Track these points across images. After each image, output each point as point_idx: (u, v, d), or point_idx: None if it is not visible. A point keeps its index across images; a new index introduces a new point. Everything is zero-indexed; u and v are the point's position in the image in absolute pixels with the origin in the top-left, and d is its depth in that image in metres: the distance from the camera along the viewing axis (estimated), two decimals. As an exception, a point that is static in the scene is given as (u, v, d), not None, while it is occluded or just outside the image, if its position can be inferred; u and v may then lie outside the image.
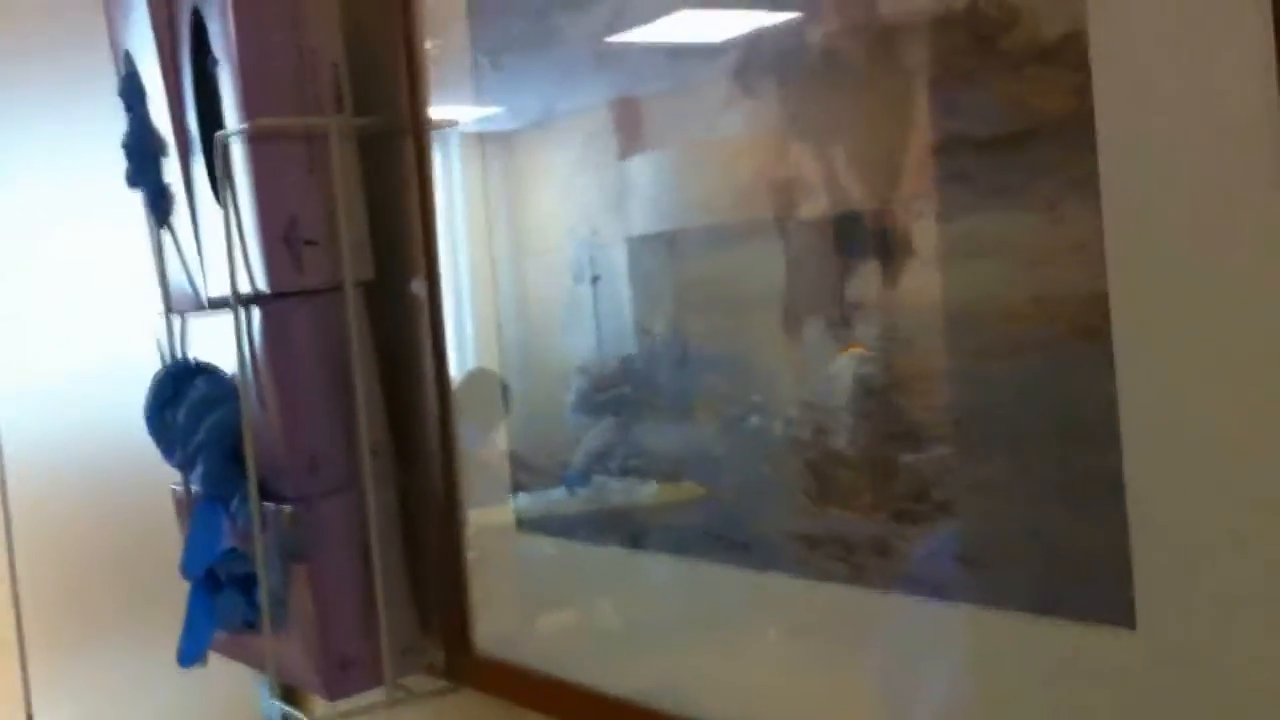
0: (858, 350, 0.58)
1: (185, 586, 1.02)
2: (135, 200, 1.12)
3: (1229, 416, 0.44)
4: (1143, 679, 0.47)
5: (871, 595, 0.57)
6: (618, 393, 0.74)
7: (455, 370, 0.90)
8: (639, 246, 0.71)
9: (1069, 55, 0.47)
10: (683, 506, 0.68)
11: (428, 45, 0.89)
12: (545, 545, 0.82)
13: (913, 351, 0.54)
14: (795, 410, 0.60)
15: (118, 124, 1.08)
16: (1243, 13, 0.42)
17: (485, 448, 0.88)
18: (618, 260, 0.73)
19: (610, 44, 0.71)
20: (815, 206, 0.59)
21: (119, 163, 1.07)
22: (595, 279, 0.75)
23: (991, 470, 0.51)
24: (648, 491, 0.72)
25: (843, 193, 0.57)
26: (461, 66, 0.85)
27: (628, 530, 0.73)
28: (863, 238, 0.57)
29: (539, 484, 0.82)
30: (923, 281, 0.54)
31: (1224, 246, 0.43)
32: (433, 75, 0.89)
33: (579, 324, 0.77)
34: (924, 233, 0.53)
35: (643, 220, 0.71)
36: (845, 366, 0.58)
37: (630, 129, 0.71)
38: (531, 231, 0.81)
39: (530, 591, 0.85)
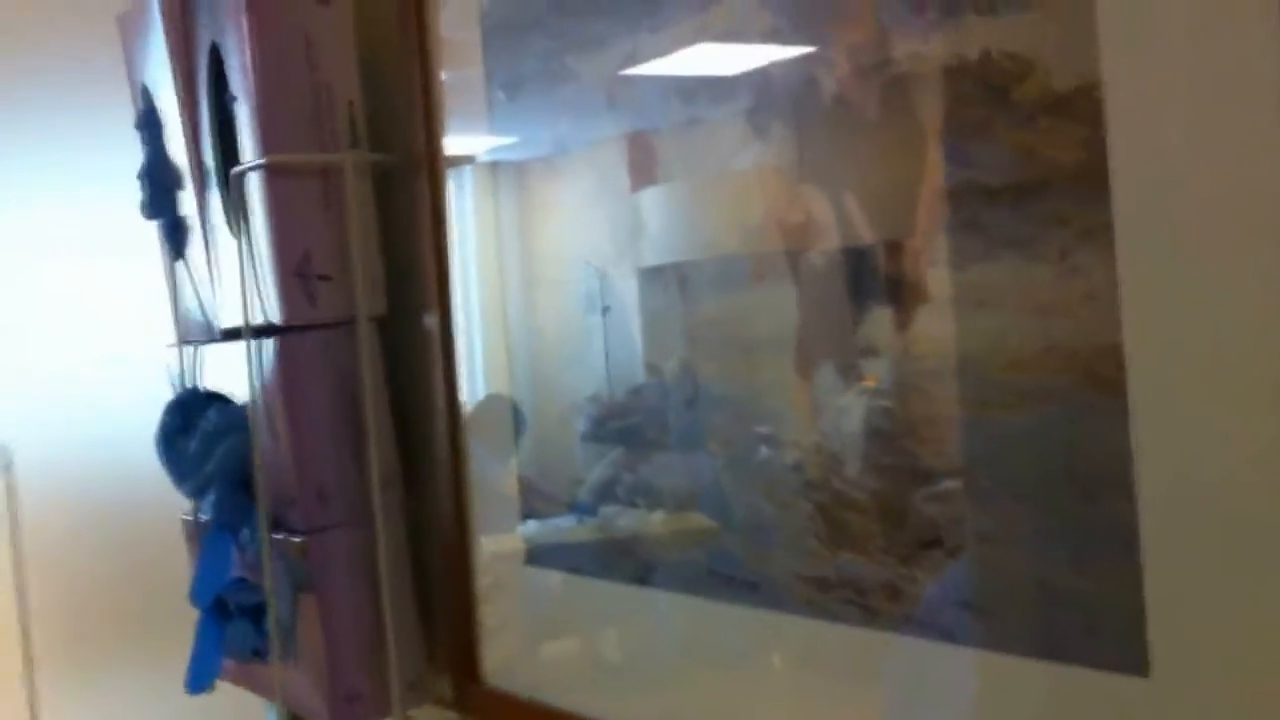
0: (870, 384, 0.58)
1: (195, 614, 1.02)
2: (151, 232, 1.13)
3: (1244, 467, 0.44)
4: (1154, 728, 0.47)
5: (882, 637, 0.57)
6: (628, 423, 0.75)
7: (466, 401, 0.90)
8: (649, 279, 0.72)
9: (1081, 107, 0.48)
10: (691, 540, 0.69)
11: (443, 77, 0.90)
12: (553, 579, 0.83)
13: (924, 397, 0.55)
14: (806, 453, 0.61)
15: (135, 156, 1.09)
16: (1257, 67, 0.42)
17: (497, 473, 0.88)
18: (628, 291, 0.73)
19: (623, 83, 0.72)
20: (827, 250, 0.59)
21: (136, 194, 1.08)
22: (606, 309, 0.76)
23: (1001, 518, 0.52)
24: (655, 520, 0.72)
25: (855, 237, 0.58)
26: (476, 100, 0.86)
27: (636, 566, 0.73)
28: (875, 283, 0.57)
29: (548, 512, 0.83)
30: (934, 328, 0.54)
31: (1239, 299, 0.44)
32: (448, 108, 0.90)
33: (590, 354, 0.77)
34: (936, 279, 0.54)
35: (654, 254, 0.71)
36: (856, 401, 0.58)
37: (642, 166, 0.71)
38: (543, 261, 0.82)
39: (538, 625, 0.85)
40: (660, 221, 0.71)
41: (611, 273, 0.74)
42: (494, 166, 0.87)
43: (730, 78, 0.64)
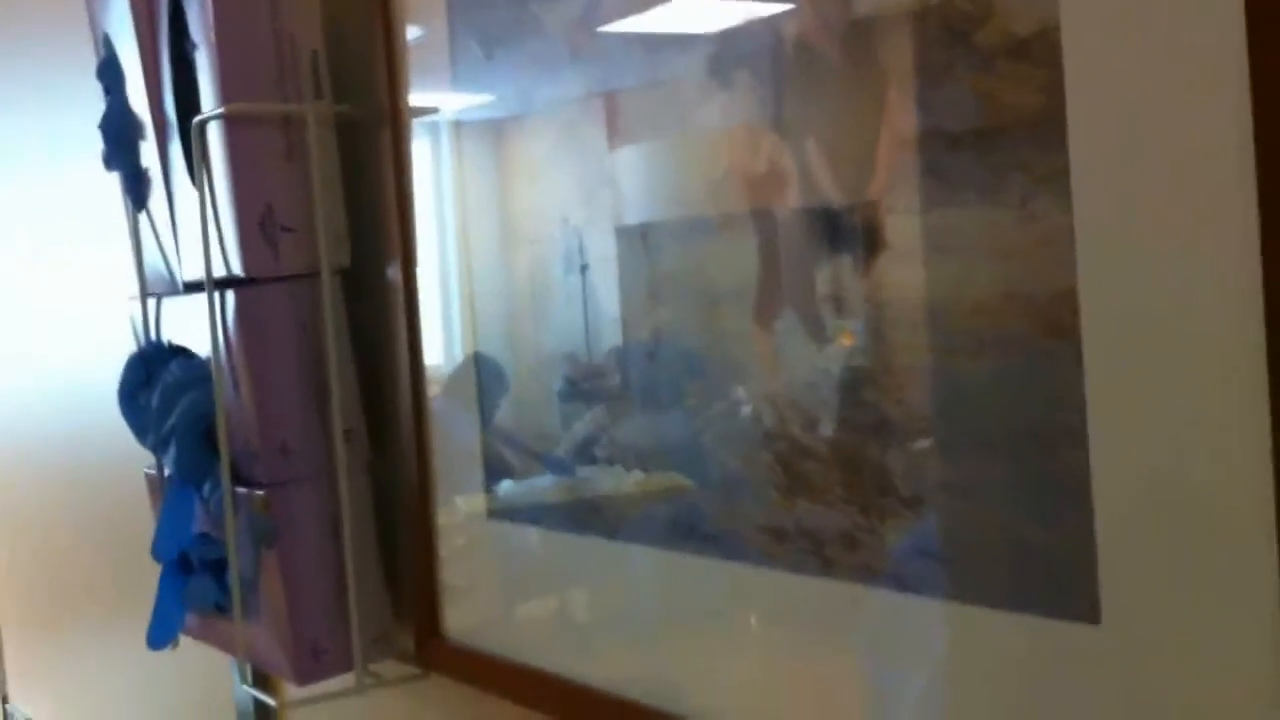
0: (849, 342, 0.58)
1: (158, 570, 1.02)
2: (112, 183, 1.12)
3: (1196, 415, 0.44)
4: (1107, 673, 0.47)
5: (841, 588, 0.57)
6: (605, 383, 0.74)
7: (434, 356, 0.90)
8: (625, 237, 0.71)
9: (1040, 51, 0.47)
10: (660, 498, 0.68)
11: (408, 34, 0.88)
12: (517, 533, 0.82)
13: (884, 346, 0.54)
14: (765, 403, 0.60)
15: (96, 106, 1.08)
16: (1215, 9, 0.42)
17: (462, 435, 0.88)
18: (606, 250, 0.73)
19: (586, 35, 0.71)
20: (789, 199, 0.59)
21: (97, 145, 1.07)
22: (584, 268, 0.75)
23: (961, 466, 0.52)
24: (632, 480, 0.72)
25: (817, 186, 0.58)
26: (441, 55, 0.85)
27: (600, 520, 0.73)
28: (836, 231, 0.57)
29: (523, 471, 0.82)
30: (895, 275, 0.54)
31: (1194, 244, 0.43)
32: (412, 64, 0.89)
33: (568, 313, 0.76)
34: (897, 226, 0.53)
35: (628, 211, 0.71)
36: (836, 357, 0.58)
37: (609, 120, 0.71)
38: (519, 220, 0.81)
39: (502, 579, 0.85)
40: (631, 178, 0.70)
41: (589, 232, 0.74)
42: (459, 125, 0.86)
43: (694, 27, 0.64)
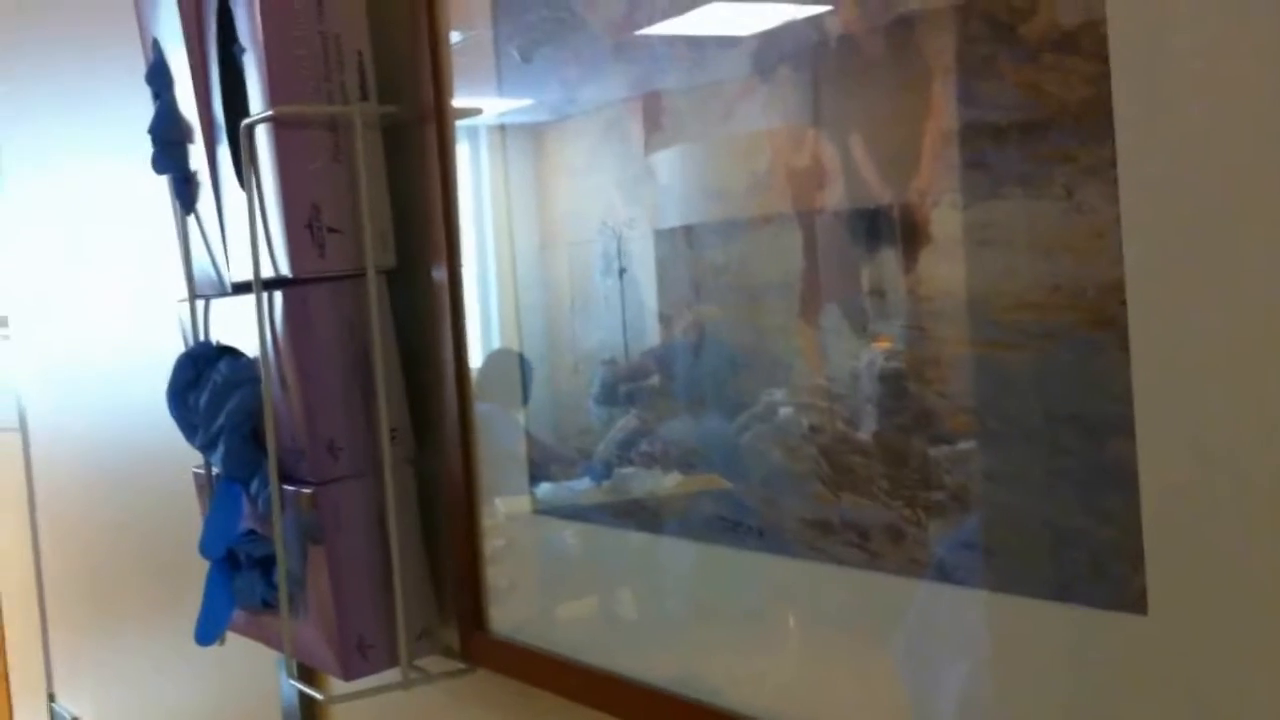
0: (885, 346, 0.58)
1: (205, 568, 1.03)
2: (161, 186, 1.14)
3: (1244, 406, 0.44)
4: (1154, 664, 0.47)
5: (886, 580, 0.57)
6: (643, 385, 0.75)
7: (475, 358, 0.91)
8: (665, 238, 0.72)
9: (1087, 43, 0.47)
10: (703, 496, 0.69)
11: (453, 38, 0.89)
12: (562, 529, 0.83)
13: (929, 338, 0.55)
14: (810, 397, 0.61)
15: (146, 111, 1.10)
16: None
17: (507, 430, 0.88)
18: (645, 253, 0.73)
19: (629, 34, 0.71)
20: (833, 194, 0.59)
21: (146, 149, 1.08)
22: (622, 271, 0.76)
23: (1006, 458, 0.52)
24: (671, 481, 0.73)
25: (861, 180, 0.58)
26: (486, 58, 0.86)
27: (644, 515, 0.74)
28: (880, 225, 0.57)
29: (560, 474, 0.83)
30: (940, 269, 0.54)
31: (1243, 234, 0.43)
32: (457, 66, 0.89)
33: (606, 316, 0.77)
34: (942, 220, 0.54)
35: (668, 212, 0.71)
36: (873, 361, 0.58)
37: (651, 119, 0.71)
38: (558, 223, 0.82)
39: (546, 574, 0.86)
40: (672, 176, 0.70)
41: (628, 234, 0.74)
42: (503, 129, 0.87)
43: (737, 26, 0.64)
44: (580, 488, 0.81)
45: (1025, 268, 0.50)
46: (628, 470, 0.75)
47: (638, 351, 0.75)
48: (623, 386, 0.76)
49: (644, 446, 0.74)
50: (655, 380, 0.73)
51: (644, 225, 0.73)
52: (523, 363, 0.86)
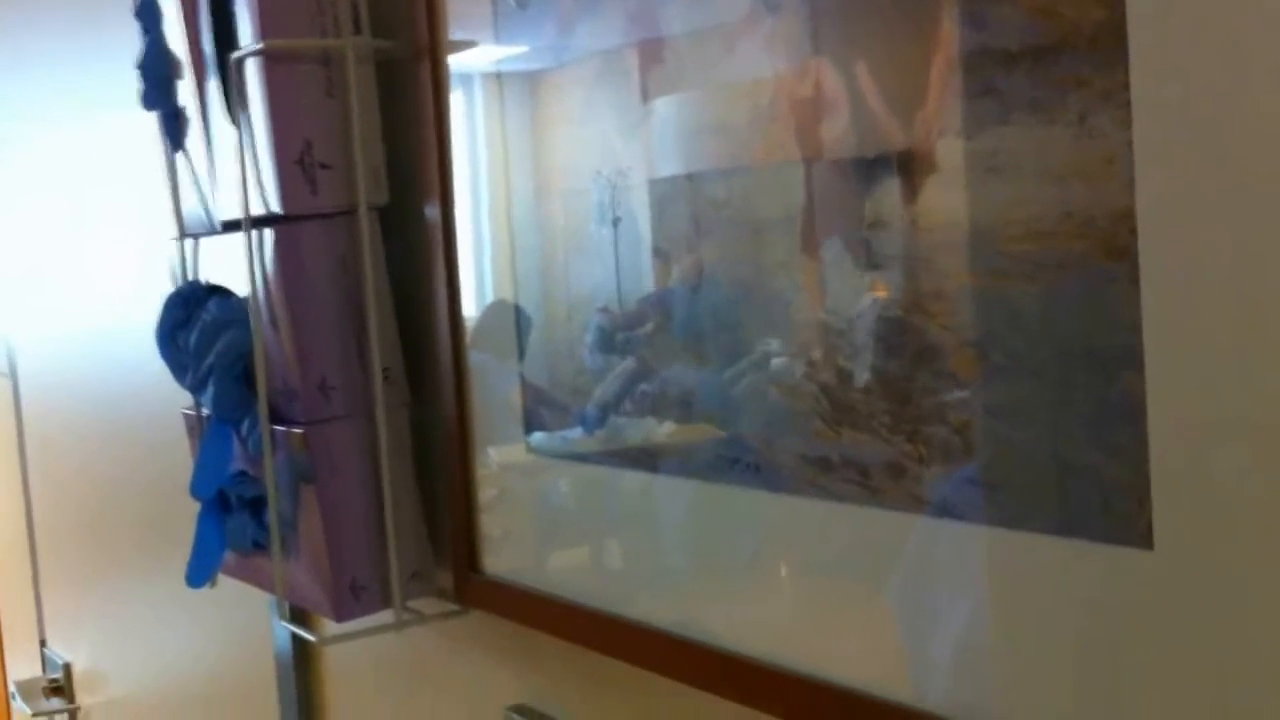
0: (881, 294, 0.57)
1: (197, 511, 1.02)
2: (151, 127, 1.12)
3: (1255, 340, 0.43)
4: (1160, 599, 0.46)
5: (888, 516, 0.57)
6: (638, 334, 0.74)
7: (469, 301, 0.89)
8: (661, 184, 0.70)
9: (1102, -35, 0.46)
10: (697, 442, 0.68)
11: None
12: (557, 470, 0.82)
13: (933, 271, 0.54)
14: (812, 333, 0.60)
15: (133, 49, 1.08)
16: (1284, -81, 0.41)
17: (507, 379, 0.87)
18: (643, 193, 0.72)
19: (632, -38, 0.70)
20: (837, 125, 0.58)
21: (135, 88, 1.06)
22: (616, 220, 0.75)
23: (1011, 392, 0.51)
24: (663, 431, 0.72)
25: (866, 110, 0.57)
26: (481, 6, 0.84)
27: (641, 456, 0.73)
28: (885, 156, 0.56)
29: (556, 421, 0.82)
30: (946, 199, 0.53)
31: (1258, 163, 0.42)
32: (453, 9, 0.88)
33: (600, 265, 0.76)
34: (948, 149, 0.52)
35: (666, 153, 0.70)
36: (866, 307, 0.57)
37: (652, 56, 0.70)
38: (553, 171, 0.80)
39: (540, 515, 0.85)
40: (673, 112, 0.69)
41: (626, 175, 0.73)
42: (499, 74, 0.85)
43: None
44: (577, 434, 0.80)
45: (1034, 196, 0.49)
46: (623, 417, 0.74)
47: (634, 298, 0.74)
48: (619, 334, 0.75)
49: (644, 390, 0.73)
50: (651, 326, 0.72)
51: (642, 164, 0.71)
52: (519, 313, 0.85)
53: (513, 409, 0.85)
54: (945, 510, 0.54)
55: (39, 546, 2.17)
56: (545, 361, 0.82)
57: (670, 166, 0.70)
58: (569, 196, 0.78)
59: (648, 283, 0.72)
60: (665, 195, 0.70)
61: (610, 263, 0.75)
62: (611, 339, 0.76)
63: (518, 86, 0.84)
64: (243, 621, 1.34)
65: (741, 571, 0.66)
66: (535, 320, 0.83)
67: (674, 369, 0.70)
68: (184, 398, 1.10)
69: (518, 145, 0.83)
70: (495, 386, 0.88)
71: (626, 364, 0.75)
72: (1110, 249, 0.47)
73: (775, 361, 0.62)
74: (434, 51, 0.88)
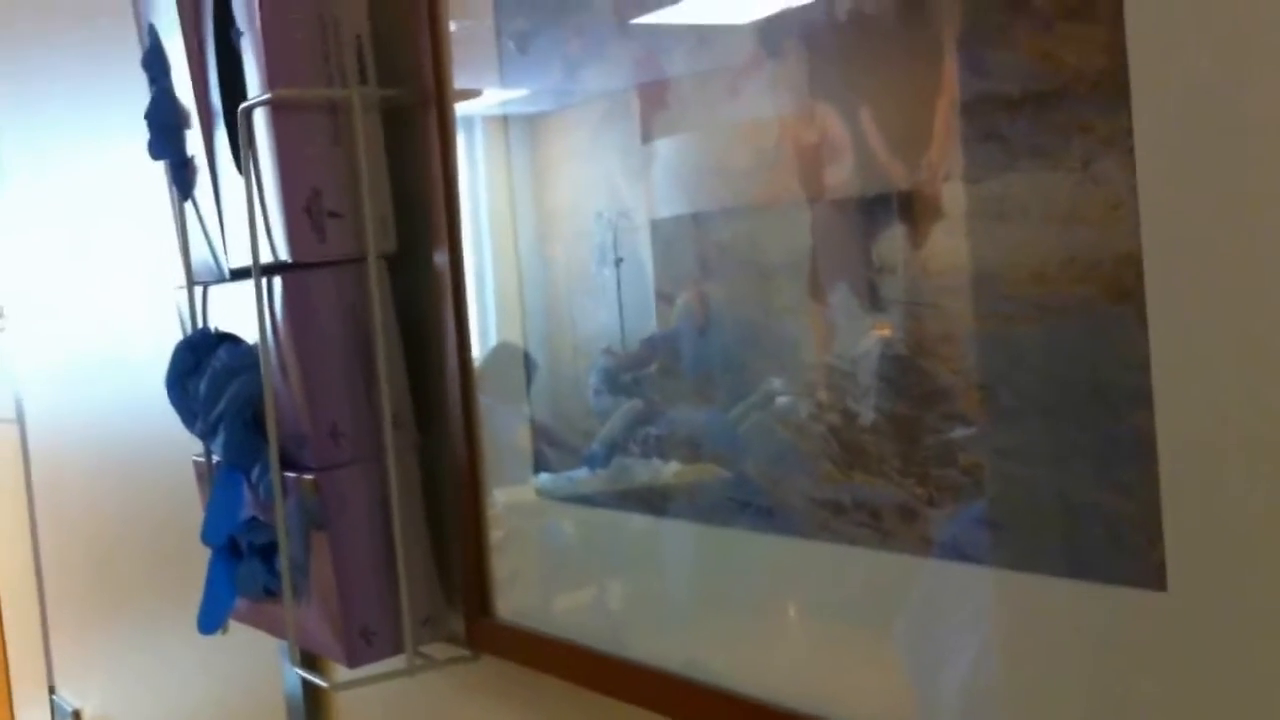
0: (885, 333, 0.58)
1: (207, 557, 1.03)
2: (159, 174, 1.13)
3: (1265, 377, 0.43)
4: (1174, 640, 0.46)
5: (900, 559, 0.57)
6: (641, 374, 0.74)
7: (478, 345, 0.90)
8: (664, 225, 0.71)
9: (1101, 11, 0.47)
10: (711, 479, 0.68)
11: (452, 20, 0.88)
12: (567, 514, 0.82)
13: (940, 314, 0.54)
14: (820, 376, 0.60)
15: (143, 97, 1.09)
16: (1281, -33, 0.41)
17: (509, 421, 0.88)
18: (642, 242, 0.73)
19: (634, 13, 0.71)
20: (842, 170, 0.59)
21: (143, 135, 1.07)
22: (619, 261, 0.75)
23: (1021, 433, 0.51)
24: (669, 471, 0.72)
25: (871, 155, 0.57)
26: (486, 45, 0.85)
27: (651, 499, 0.73)
28: (890, 200, 0.56)
29: (562, 463, 0.82)
30: (951, 244, 0.53)
31: (1262, 204, 0.43)
32: (457, 51, 0.89)
33: (602, 306, 0.76)
34: (953, 194, 0.53)
35: (668, 195, 0.71)
36: (872, 348, 0.58)
37: (656, 99, 0.70)
38: (555, 214, 0.81)
39: (551, 559, 0.85)
40: (676, 156, 0.70)
41: (625, 224, 0.74)
42: (505, 117, 0.86)
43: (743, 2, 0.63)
44: (583, 475, 0.80)
45: (1040, 241, 0.50)
46: (630, 458, 0.75)
47: (637, 339, 0.74)
48: (624, 375, 0.75)
49: (649, 431, 0.73)
50: (654, 367, 0.73)
51: (647, 206, 0.72)
52: (526, 355, 0.85)
53: (521, 452, 0.85)
54: (956, 552, 0.54)
55: (47, 592, 2.17)
56: (552, 403, 0.82)
57: (674, 208, 0.70)
58: (572, 238, 0.79)
59: (654, 320, 0.73)
60: (671, 237, 0.70)
61: (615, 302, 0.75)
62: (617, 379, 0.76)
63: (521, 130, 0.85)
64: (251, 666, 1.33)
65: (752, 614, 0.66)
66: (541, 362, 0.84)
67: (681, 410, 0.70)
68: (191, 443, 1.10)
69: (522, 188, 0.84)
70: (503, 429, 0.88)
71: (632, 404, 0.75)
72: (1116, 291, 0.47)
73: (783, 403, 0.63)
74: (440, 99, 0.89)
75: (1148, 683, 0.48)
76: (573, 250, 0.79)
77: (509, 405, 0.87)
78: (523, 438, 0.85)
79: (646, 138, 0.71)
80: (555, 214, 0.81)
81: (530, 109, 0.84)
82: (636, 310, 0.74)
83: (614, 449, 0.76)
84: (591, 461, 0.79)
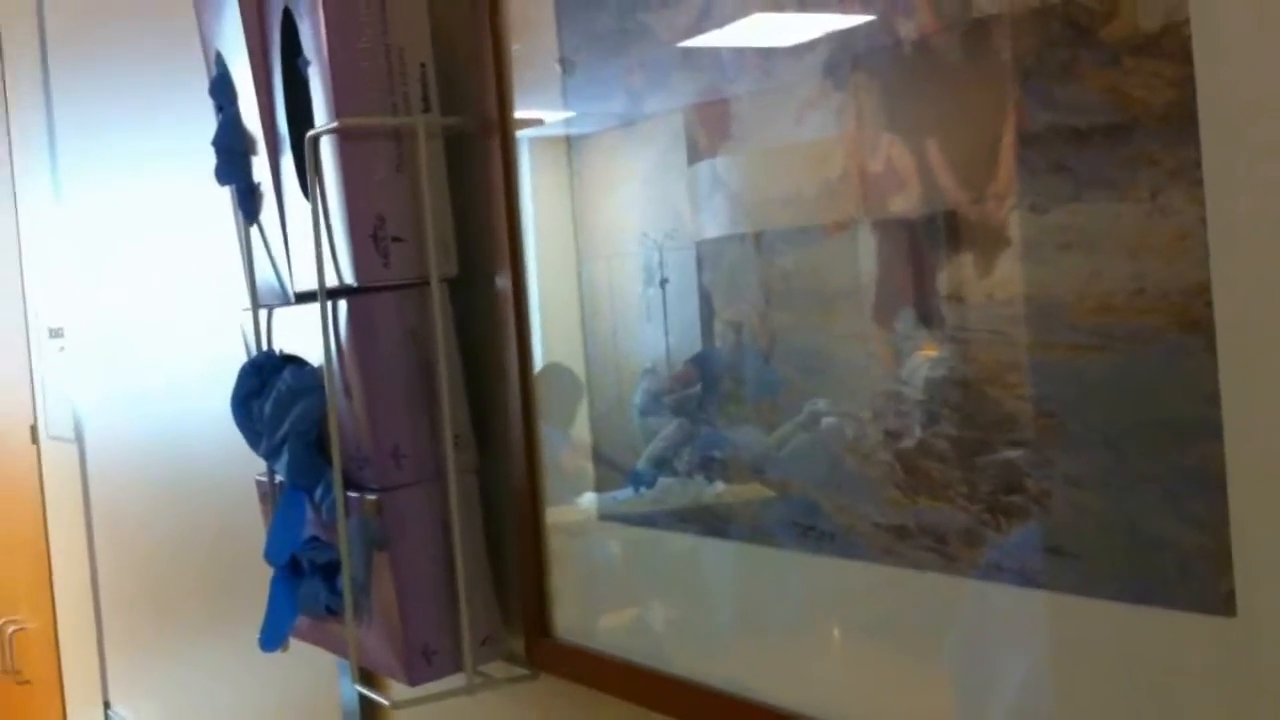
0: (931, 353, 0.59)
1: (263, 577, 1.04)
2: (219, 198, 1.15)
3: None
4: (1242, 667, 0.47)
5: (965, 584, 0.57)
6: (687, 394, 0.75)
7: (542, 360, 0.91)
8: (715, 247, 0.72)
9: (1170, 46, 0.47)
10: (774, 501, 0.69)
11: (514, 48, 0.90)
12: (626, 535, 0.83)
13: (1006, 342, 0.55)
14: (884, 401, 0.61)
15: (206, 123, 1.11)
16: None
17: (565, 442, 0.89)
18: (688, 263, 0.74)
19: (696, 41, 0.72)
20: (908, 199, 0.59)
21: (206, 161, 1.10)
22: (664, 282, 0.76)
23: (1088, 461, 0.52)
24: (714, 492, 0.73)
25: (936, 185, 0.58)
26: (547, 69, 0.86)
27: (712, 521, 0.74)
28: (956, 230, 0.57)
29: (609, 483, 0.83)
30: (1017, 273, 0.54)
31: (1329, 236, 0.43)
32: (517, 78, 0.90)
33: (648, 327, 0.78)
34: (1019, 224, 0.54)
35: (721, 220, 0.72)
36: (918, 369, 0.59)
37: (716, 126, 0.72)
38: (603, 234, 0.82)
39: (610, 579, 0.86)
40: (744, 182, 0.71)
41: (672, 244, 0.75)
42: (567, 139, 0.87)
43: (806, 34, 0.65)
44: (628, 498, 0.81)
45: (1107, 271, 0.50)
46: (692, 480, 0.76)
47: (681, 361, 0.75)
48: (667, 396, 0.76)
49: (699, 452, 0.74)
50: (703, 388, 0.74)
51: (691, 236, 0.73)
52: (580, 377, 0.86)
53: (580, 472, 0.87)
54: (1021, 577, 0.55)
55: (103, 609, 2.20)
56: (615, 422, 0.84)
57: (728, 226, 0.71)
58: (617, 259, 0.80)
59: (698, 344, 0.74)
60: (736, 262, 0.71)
61: (659, 324, 0.77)
62: (659, 400, 0.77)
63: (579, 152, 0.86)
64: (307, 684, 1.35)
65: (817, 637, 0.67)
66: (603, 381, 0.85)
67: (729, 428, 0.71)
68: (248, 464, 1.12)
69: (581, 210, 0.85)
70: (561, 450, 0.90)
71: (675, 424, 0.76)
72: (1185, 321, 0.48)
73: (846, 428, 0.63)
74: (503, 126, 0.91)
75: (1213, 708, 0.48)
76: (619, 271, 0.80)
77: (566, 426, 0.88)
78: (581, 458, 0.87)
79: (702, 159, 0.72)
80: (603, 234, 0.82)
81: (591, 129, 0.85)
82: (682, 330, 0.75)
83: (660, 469, 0.77)
84: (636, 482, 0.80)
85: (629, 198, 0.80)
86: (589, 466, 0.85)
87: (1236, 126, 0.46)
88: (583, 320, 0.85)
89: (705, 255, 0.73)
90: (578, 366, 0.86)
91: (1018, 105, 0.54)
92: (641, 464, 0.80)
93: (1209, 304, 0.47)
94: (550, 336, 0.90)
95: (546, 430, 0.90)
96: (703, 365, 0.75)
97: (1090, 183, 0.51)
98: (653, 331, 0.78)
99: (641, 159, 0.78)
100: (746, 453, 0.70)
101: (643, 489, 0.80)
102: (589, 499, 0.86)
